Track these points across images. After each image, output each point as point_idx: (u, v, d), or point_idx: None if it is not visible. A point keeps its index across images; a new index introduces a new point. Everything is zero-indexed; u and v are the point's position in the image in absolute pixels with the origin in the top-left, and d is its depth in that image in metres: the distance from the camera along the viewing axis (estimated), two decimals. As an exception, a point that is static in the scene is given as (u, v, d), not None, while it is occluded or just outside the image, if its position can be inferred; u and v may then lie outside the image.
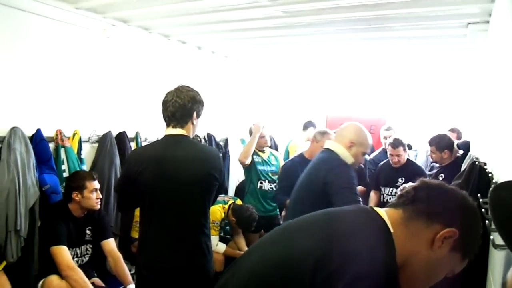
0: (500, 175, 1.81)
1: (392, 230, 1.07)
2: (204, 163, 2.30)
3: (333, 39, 4.17)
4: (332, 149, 2.63)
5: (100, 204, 3.22)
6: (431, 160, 4.53)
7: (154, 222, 2.28)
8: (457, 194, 1.13)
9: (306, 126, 5.65)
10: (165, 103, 2.32)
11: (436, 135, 4.31)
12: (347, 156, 2.59)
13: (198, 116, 2.35)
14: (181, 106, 2.27)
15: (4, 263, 2.79)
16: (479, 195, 1.66)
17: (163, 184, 2.22)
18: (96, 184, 3.13)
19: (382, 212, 1.13)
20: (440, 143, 4.18)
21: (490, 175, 1.92)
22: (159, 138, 2.38)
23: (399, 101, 6.52)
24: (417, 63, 5.39)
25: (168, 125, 2.33)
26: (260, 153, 4.31)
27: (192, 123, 2.33)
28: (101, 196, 3.19)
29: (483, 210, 1.43)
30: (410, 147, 6.25)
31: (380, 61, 5.40)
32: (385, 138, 5.11)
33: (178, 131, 2.29)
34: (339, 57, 5.34)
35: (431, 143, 4.25)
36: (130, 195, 2.33)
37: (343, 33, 3.91)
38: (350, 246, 1.01)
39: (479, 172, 1.95)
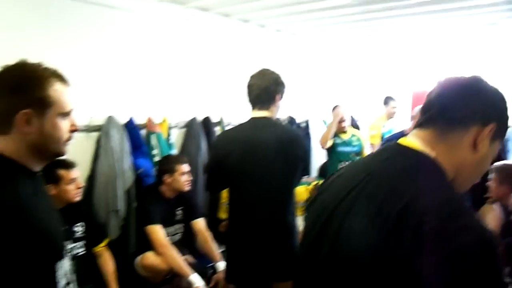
0: None
1: (434, 154, 1.02)
2: (289, 144, 2.35)
3: (413, 20, 4.03)
4: None
5: (190, 186, 3.38)
6: None
7: (242, 201, 2.38)
8: (477, 86, 1.06)
9: (386, 101, 5.52)
10: (249, 86, 2.40)
11: None
12: None
13: (281, 97, 2.41)
14: (265, 88, 2.34)
15: (108, 239, 3.04)
16: None
17: (249, 165, 2.30)
18: (185, 167, 3.28)
19: (414, 141, 1.06)
20: None
21: None
22: (244, 121, 2.46)
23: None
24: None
25: (253, 107, 2.41)
26: (341, 134, 4.28)
27: (276, 105, 2.40)
28: (190, 179, 3.33)
29: None
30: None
31: (464, 35, 5.11)
32: None
33: (262, 113, 2.37)
34: (425, 31, 5.12)
35: None
36: (219, 177, 2.43)
37: (421, 15, 3.75)
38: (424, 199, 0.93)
39: None
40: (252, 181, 2.32)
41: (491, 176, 3.14)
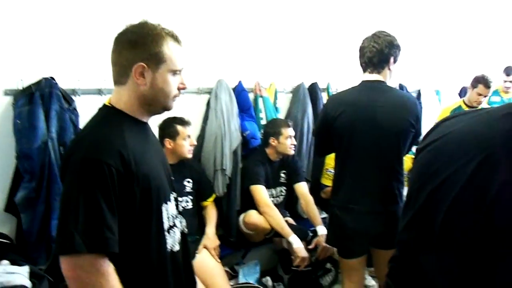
0: None
1: None
2: (401, 109, 2.28)
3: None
4: None
5: (294, 150, 3.42)
6: None
7: (349, 165, 2.36)
8: None
9: (509, 72, 4.93)
10: (362, 49, 2.36)
11: None
12: None
13: (395, 61, 2.35)
14: (378, 51, 2.29)
15: (214, 196, 3.22)
16: None
17: (359, 128, 2.27)
18: (290, 131, 3.32)
19: None
20: None
21: None
22: (356, 85, 2.41)
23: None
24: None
25: (364, 70, 2.37)
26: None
27: (389, 69, 2.34)
28: (295, 143, 3.37)
29: None
30: None
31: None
32: None
33: (375, 76, 2.32)
34: None
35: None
36: (328, 139, 2.43)
37: None
38: None
39: None
40: (361, 145, 2.29)
41: None
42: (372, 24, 4.05)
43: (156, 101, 1.35)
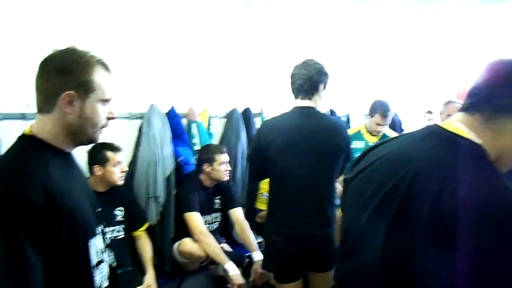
0: None
1: (480, 141, 1.02)
2: (332, 134, 2.36)
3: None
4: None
5: (229, 176, 3.40)
6: None
7: (283, 190, 2.39)
8: None
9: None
10: (292, 76, 2.43)
11: None
12: None
13: (324, 87, 2.42)
14: (309, 78, 2.36)
15: (147, 224, 3.12)
16: None
17: (292, 153, 2.32)
18: (225, 157, 3.30)
19: (459, 127, 1.05)
20: None
21: None
22: (288, 111, 2.47)
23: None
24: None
25: (296, 97, 2.43)
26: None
27: (319, 95, 2.41)
28: (229, 168, 3.36)
29: None
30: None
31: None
32: None
33: (306, 102, 2.38)
34: (471, 25, 4.94)
35: None
36: (262, 164, 2.46)
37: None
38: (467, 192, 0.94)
39: None
40: (294, 170, 2.33)
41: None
42: (303, 51, 4.19)
43: (83, 131, 1.29)
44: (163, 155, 3.23)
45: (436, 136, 1.07)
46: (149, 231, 3.17)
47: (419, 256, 0.96)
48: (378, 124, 3.70)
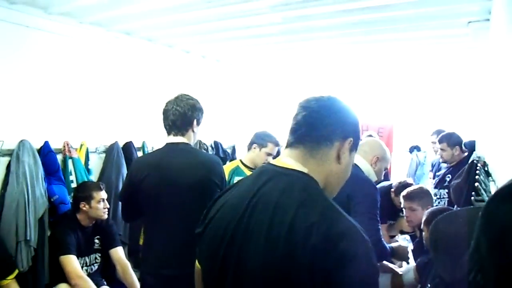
0: (500, 176, 1.81)
1: (306, 170, 1.15)
2: (204, 169, 2.30)
3: (336, 42, 4.19)
4: (358, 164, 2.47)
5: (108, 214, 3.26)
6: (441, 159, 4.45)
7: (157, 228, 2.30)
8: (335, 106, 1.23)
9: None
10: (165, 112, 2.36)
11: (445, 133, 4.32)
12: (371, 174, 2.53)
13: (198, 123, 2.39)
14: (181, 114, 2.31)
15: (16, 272, 2.85)
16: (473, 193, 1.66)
17: (163, 190, 2.23)
18: (103, 194, 3.17)
19: (287, 161, 1.18)
20: (451, 140, 4.19)
21: (489, 176, 1.92)
22: (160, 147, 2.41)
23: (405, 103, 6.51)
24: (420, 64, 5.36)
25: (169, 133, 2.36)
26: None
27: (193, 131, 2.37)
28: (108, 206, 3.23)
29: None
30: (419, 149, 6.25)
31: (383, 63, 5.39)
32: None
33: (178, 139, 2.32)
34: (342, 61, 5.34)
35: (441, 140, 4.24)
36: (134, 203, 2.34)
37: (344, 37, 3.92)
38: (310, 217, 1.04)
39: (475, 172, 1.94)
40: (168, 207, 2.24)
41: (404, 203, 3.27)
42: (183, 84, 4.22)
43: None
44: (34, 194, 3.01)
45: (268, 172, 1.19)
46: (21, 278, 2.90)
47: None
48: (269, 154, 3.47)
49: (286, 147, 1.22)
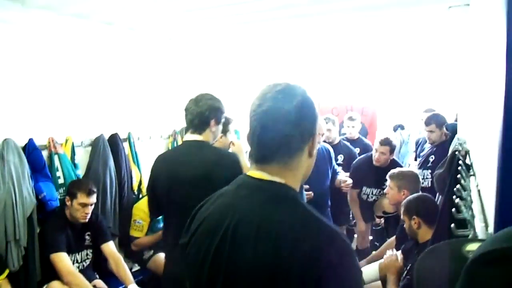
0: (479, 165, 1.86)
1: (284, 181, 1.15)
2: (210, 164, 2.33)
3: (318, 24, 4.14)
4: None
5: (92, 214, 3.25)
6: (429, 141, 4.45)
7: (169, 222, 2.43)
8: (299, 113, 1.15)
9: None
10: (186, 110, 2.47)
11: (432, 114, 4.36)
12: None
13: (217, 123, 2.47)
14: (199, 114, 2.40)
15: (7, 271, 2.87)
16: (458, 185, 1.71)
17: (172, 185, 2.34)
18: (87, 200, 3.15)
19: (263, 174, 1.17)
20: (439, 120, 4.24)
21: (470, 166, 1.97)
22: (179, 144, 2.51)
23: (387, 85, 6.56)
24: (403, 46, 5.37)
25: (186, 130, 2.48)
26: None
27: (211, 130, 2.44)
28: (88, 212, 3.19)
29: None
30: (402, 127, 6.33)
31: (366, 45, 5.38)
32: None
33: (195, 136, 2.42)
34: (327, 45, 5.33)
35: (429, 122, 4.26)
36: (155, 199, 2.49)
37: (329, 19, 3.90)
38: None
39: (457, 164, 1.99)
40: (175, 202, 2.33)
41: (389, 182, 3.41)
42: (168, 72, 4.18)
43: None
44: (21, 193, 3.00)
45: (247, 186, 1.19)
46: (13, 277, 2.92)
47: None
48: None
49: (256, 162, 1.19)
